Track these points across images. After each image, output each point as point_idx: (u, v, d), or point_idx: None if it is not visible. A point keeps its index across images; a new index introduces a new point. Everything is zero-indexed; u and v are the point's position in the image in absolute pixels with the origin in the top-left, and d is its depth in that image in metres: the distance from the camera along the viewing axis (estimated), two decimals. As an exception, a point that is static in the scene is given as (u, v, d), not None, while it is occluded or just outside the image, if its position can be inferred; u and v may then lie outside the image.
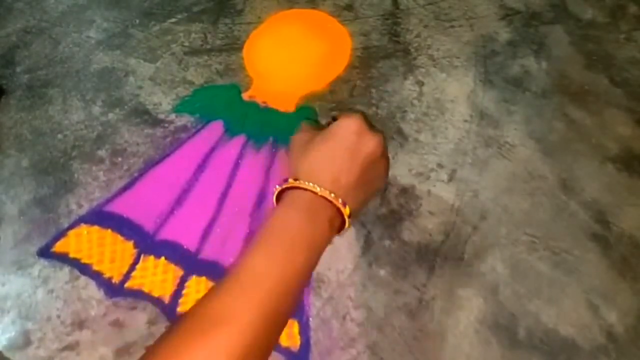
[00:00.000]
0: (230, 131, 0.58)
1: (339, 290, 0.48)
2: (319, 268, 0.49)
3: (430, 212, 0.52)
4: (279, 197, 0.39)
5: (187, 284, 0.48)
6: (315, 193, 0.35)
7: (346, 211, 0.35)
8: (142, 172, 0.55)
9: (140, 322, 0.46)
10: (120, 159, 0.56)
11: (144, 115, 0.60)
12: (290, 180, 0.36)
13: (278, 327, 0.32)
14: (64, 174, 0.56)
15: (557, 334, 0.45)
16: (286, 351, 0.45)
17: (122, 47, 0.67)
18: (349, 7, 0.70)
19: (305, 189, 0.35)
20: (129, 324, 0.46)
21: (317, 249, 0.34)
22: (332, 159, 0.37)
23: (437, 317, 0.46)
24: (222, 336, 0.27)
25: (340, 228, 0.38)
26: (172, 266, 0.49)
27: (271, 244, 0.33)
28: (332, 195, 0.35)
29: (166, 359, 0.27)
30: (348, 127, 0.40)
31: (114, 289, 0.48)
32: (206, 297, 0.31)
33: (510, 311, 0.47)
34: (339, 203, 0.35)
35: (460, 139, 0.57)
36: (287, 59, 0.64)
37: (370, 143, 0.39)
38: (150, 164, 0.55)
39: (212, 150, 0.56)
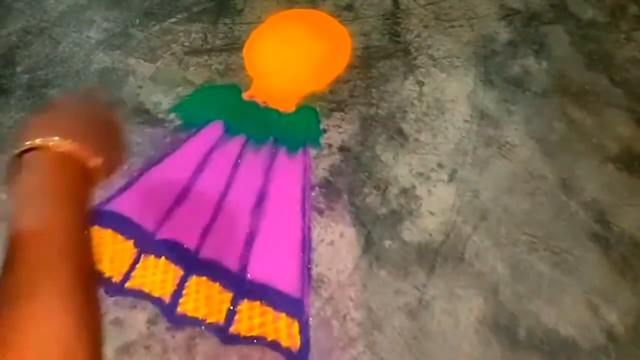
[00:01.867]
0: (230, 131, 0.58)
1: (339, 290, 0.48)
2: (319, 268, 0.49)
3: (430, 212, 0.52)
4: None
5: (187, 284, 0.48)
6: (40, 147, 0.34)
7: (68, 145, 0.34)
8: (142, 172, 0.55)
9: (140, 321, 0.46)
10: (120, 158, 0.56)
11: (144, 115, 0.60)
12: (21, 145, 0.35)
13: (84, 281, 0.30)
14: (64, 174, 0.55)
15: (557, 334, 0.45)
16: (286, 351, 0.45)
17: (122, 47, 0.67)
18: (349, 7, 0.70)
19: (35, 148, 0.35)
20: (129, 323, 0.46)
21: (67, 196, 0.34)
22: (53, 119, 0.38)
23: (437, 317, 0.46)
24: (31, 310, 0.27)
25: (92, 171, 0.36)
26: (172, 266, 0.49)
27: (23, 211, 0.33)
28: (55, 139, 0.34)
29: None
30: (60, 98, 0.41)
31: (114, 288, 0.48)
32: None
33: (511, 311, 0.47)
34: (64, 144, 0.34)
35: (460, 139, 0.57)
36: (287, 59, 0.64)
37: (84, 100, 0.41)
38: (150, 164, 0.55)
39: (212, 150, 0.56)
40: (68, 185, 0.34)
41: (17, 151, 0.35)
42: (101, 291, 0.48)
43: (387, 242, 0.50)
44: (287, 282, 0.48)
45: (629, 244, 0.50)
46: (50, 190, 0.34)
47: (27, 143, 0.35)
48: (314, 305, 0.47)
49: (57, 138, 0.35)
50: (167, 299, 0.47)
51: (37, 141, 0.34)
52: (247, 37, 0.67)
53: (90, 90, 0.45)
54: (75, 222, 0.33)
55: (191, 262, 0.49)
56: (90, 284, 0.31)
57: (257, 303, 0.47)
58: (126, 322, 0.46)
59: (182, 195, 0.53)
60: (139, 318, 0.47)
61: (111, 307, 0.47)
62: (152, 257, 0.49)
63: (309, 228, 0.51)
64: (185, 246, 0.50)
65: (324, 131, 0.58)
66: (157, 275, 0.48)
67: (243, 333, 0.45)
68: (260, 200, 0.52)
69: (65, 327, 0.28)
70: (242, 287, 0.48)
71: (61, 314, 0.28)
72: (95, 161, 0.36)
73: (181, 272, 0.48)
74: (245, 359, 0.44)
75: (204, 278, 0.48)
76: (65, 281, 0.29)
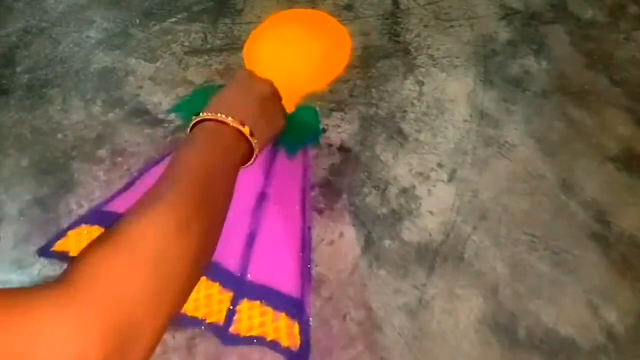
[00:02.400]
0: None
1: (339, 290, 0.48)
2: (319, 268, 0.49)
3: (430, 212, 0.52)
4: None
5: (187, 283, 0.48)
6: (217, 120, 0.43)
7: (246, 130, 0.43)
8: (143, 172, 0.55)
9: (140, 322, 0.46)
10: (120, 159, 0.56)
11: (144, 115, 0.60)
12: (201, 115, 0.44)
13: (208, 210, 0.36)
14: (64, 174, 0.56)
15: (557, 334, 0.45)
16: (286, 351, 0.45)
17: (122, 47, 0.67)
18: (349, 7, 0.70)
19: (211, 120, 0.43)
20: (129, 323, 0.46)
21: (230, 156, 0.42)
22: (234, 97, 0.47)
23: (437, 317, 0.46)
24: (155, 210, 0.33)
25: (249, 150, 0.45)
26: (173, 266, 0.49)
27: (187, 148, 0.40)
28: (230, 119, 0.42)
29: (119, 225, 0.32)
30: (242, 75, 0.52)
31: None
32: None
33: (511, 311, 0.47)
34: (237, 124, 0.43)
35: (460, 139, 0.57)
36: (287, 59, 0.64)
37: (262, 85, 0.50)
38: (151, 164, 0.55)
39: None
40: (230, 148, 0.42)
41: (201, 117, 0.43)
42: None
43: (387, 242, 0.50)
44: (287, 282, 0.48)
45: (629, 244, 0.50)
46: (217, 145, 0.41)
47: (203, 115, 0.43)
48: (314, 305, 0.47)
49: (232, 118, 0.42)
50: (167, 299, 0.47)
51: (217, 115, 0.42)
52: (247, 37, 0.67)
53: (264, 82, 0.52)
54: (230, 173, 0.41)
55: (191, 262, 0.49)
56: (219, 224, 0.38)
57: (257, 303, 0.47)
58: (126, 322, 0.46)
59: (182, 196, 0.53)
60: (139, 318, 0.47)
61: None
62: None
63: (309, 228, 0.51)
64: (185, 246, 0.50)
65: (324, 131, 0.58)
66: (157, 276, 0.48)
67: (243, 333, 0.45)
68: (260, 200, 0.52)
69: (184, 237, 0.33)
70: (242, 287, 0.48)
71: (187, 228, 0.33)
72: (257, 145, 0.44)
73: (181, 272, 0.48)
74: (245, 359, 0.45)
75: (204, 278, 0.48)
76: (195, 196, 0.35)
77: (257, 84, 0.50)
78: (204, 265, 0.36)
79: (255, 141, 0.44)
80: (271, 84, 0.51)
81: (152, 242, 0.31)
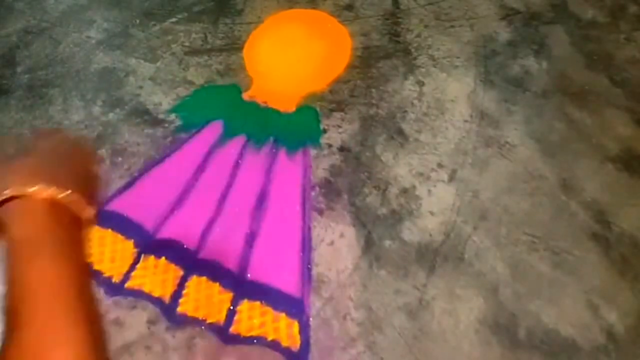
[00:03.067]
0: (230, 131, 0.58)
1: (339, 290, 0.48)
2: (319, 268, 0.49)
3: (430, 212, 0.52)
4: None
5: (187, 284, 0.48)
6: (22, 195, 0.33)
7: (51, 191, 0.33)
8: (143, 172, 0.55)
9: (140, 321, 0.46)
10: (120, 158, 0.56)
11: (144, 115, 0.60)
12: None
13: (95, 339, 0.30)
14: (65, 174, 0.55)
15: (558, 334, 0.45)
16: (286, 351, 0.45)
17: (122, 47, 0.67)
18: (349, 7, 0.70)
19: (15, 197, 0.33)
20: (129, 323, 0.46)
21: (64, 243, 0.33)
22: (29, 165, 0.36)
23: (437, 317, 0.46)
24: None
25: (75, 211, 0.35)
26: (173, 266, 0.49)
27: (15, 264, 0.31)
28: (36, 187, 0.32)
29: None
30: (30, 139, 0.39)
31: (114, 288, 0.48)
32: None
33: (511, 311, 0.47)
34: (45, 190, 0.32)
35: (460, 139, 0.57)
36: (287, 59, 0.64)
37: (52, 139, 0.38)
38: (151, 164, 0.55)
39: (212, 150, 0.56)
40: (62, 230, 0.33)
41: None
42: (101, 297, 0.48)
43: (387, 242, 0.50)
44: (287, 282, 0.48)
45: (629, 244, 0.50)
46: (47, 239, 0.32)
47: (7, 192, 0.32)
48: (314, 305, 0.47)
49: (37, 185, 0.33)
50: (167, 299, 0.47)
51: (18, 189, 0.32)
52: (247, 37, 0.67)
53: (54, 131, 0.44)
54: (79, 269, 0.32)
55: (191, 262, 0.49)
56: (99, 339, 0.30)
57: (257, 303, 0.47)
58: (126, 322, 0.46)
59: (183, 196, 0.53)
60: (139, 318, 0.47)
61: (111, 307, 0.47)
62: (152, 257, 0.49)
63: (309, 228, 0.51)
64: (185, 246, 0.50)
65: (324, 131, 0.58)
66: (157, 275, 0.48)
67: (243, 333, 0.45)
68: (261, 200, 0.52)
69: None
70: (242, 287, 0.48)
71: None
72: (79, 203, 0.34)
73: (181, 272, 0.48)
74: (245, 359, 0.44)
75: (204, 278, 0.48)
76: (77, 344, 0.28)
77: (41, 142, 0.38)
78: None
79: (76, 200, 0.34)
80: (60, 132, 0.41)
81: None
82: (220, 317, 0.46)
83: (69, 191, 0.33)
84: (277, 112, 0.59)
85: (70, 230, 0.34)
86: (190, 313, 0.46)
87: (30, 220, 0.33)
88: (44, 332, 0.29)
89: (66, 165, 0.37)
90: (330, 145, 0.57)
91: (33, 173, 0.34)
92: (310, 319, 0.46)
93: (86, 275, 0.32)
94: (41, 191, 0.33)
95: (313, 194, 0.53)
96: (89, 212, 0.34)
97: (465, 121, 0.58)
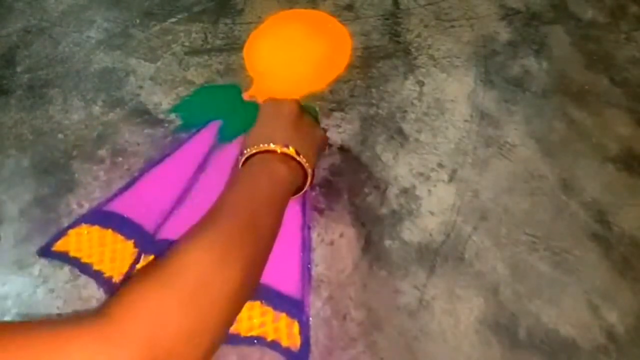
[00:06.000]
0: (228, 132, 0.57)
1: (339, 290, 0.48)
2: (319, 268, 0.49)
3: (430, 212, 0.52)
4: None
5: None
6: (261, 151, 0.45)
7: (291, 151, 0.44)
8: (143, 172, 0.55)
9: (140, 321, 0.46)
10: (120, 158, 0.56)
11: (144, 115, 0.60)
12: (244, 152, 0.46)
13: (252, 242, 0.36)
14: (65, 174, 0.56)
15: (558, 334, 0.45)
16: (286, 351, 0.45)
17: (122, 47, 0.67)
18: (349, 7, 0.70)
19: (255, 153, 0.45)
20: (129, 323, 0.46)
21: (278, 183, 0.43)
22: (268, 126, 0.49)
23: (437, 317, 0.46)
24: (197, 245, 0.33)
25: (301, 172, 0.46)
26: (173, 266, 0.49)
27: (234, 182, 0.42)
28: (272, 145, 0.44)
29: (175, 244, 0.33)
30: (267, 104, 0.54)
31: (114, 288, 0.48)
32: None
33: (511, 311, 0.47)
34: (280, 147, 0.44)
35: (460, 139, 0.57)
36: (288, 59, 0.64)
37: (288, 106, 0.51)
38: (151, 164, 0.55)
39: (213, 150, 0.56)
40: (280, 176, 0.43)
41: (245, 154, 0.45)
42: (102, 297, 0.48)
43: (387, 242, 0.50)
44: (287, 282, 0.48)
45: (629, 244, 0.50)
46: (263, 177, 0.42)
47: (253, 149, 0.45)
48: (314, 305, 0.47)
49: (273, 144, 0.44)
50: (167, 299, 0.47)
51: (262, 146, 0.44)
52: (248, 37, 0.67)
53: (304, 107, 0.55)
54: (281, 204, 0.42)
55: (191, 262, 0.49)
56: (264, 259, 0.39)
57: (257, 303, 0.47)
58: (126, 322, 0.46)
59: (183, 196, 0.53)
60: (139, 318, 0.47)
61: (111, 307, 0.47)
62: (152, 257, 0.49)
63: (309, 228, 0.51)
64: (185, 246, 0.50)
65: (324, 131, 0.58)
66: (157, 275, 0.48)
67: (243, 333, 0.45)
68: (261, 200, 0.52)
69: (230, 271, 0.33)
70: (242, 287, 0.48)
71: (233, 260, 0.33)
72: (306, 165, 0.45)
73: (181, 272, 0.48)
74: (245, 359, 0.45)
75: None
76: (251, 245, 0.36)
77: (284, 107, 0.50)
78: (247, 297, 0.36)
79: (304, 160, 0.45)
80: (296, 102, 0.52)
81: (193, 277, 0.30)
82: (220, 317, 0.46)
83: (289, 147, 0.44)
84: (277, 112, 0.59)
85: (290, 178, 0.44)
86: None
87: (251, 170, 0.44)
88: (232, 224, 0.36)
89: (298, 131, 0.48)
90: (330, 145, 0.57)
91: (266, 135, 0.46)
92: (310, 319, 0.46)
93: (276, 202, 0.42)
94: (281, 148, 0.44)
95: (313, 194, 0.53)
96: (306, 165, 0.45)
97: (466, 121, 0.58)
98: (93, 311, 0.28)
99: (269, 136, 0.45)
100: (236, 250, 0.33)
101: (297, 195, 0.48)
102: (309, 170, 0.46)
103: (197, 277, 0.30)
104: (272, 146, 0.44)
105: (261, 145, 0.44)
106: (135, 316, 0.27)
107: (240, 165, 0.46)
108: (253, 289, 0.37)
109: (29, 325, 0.27)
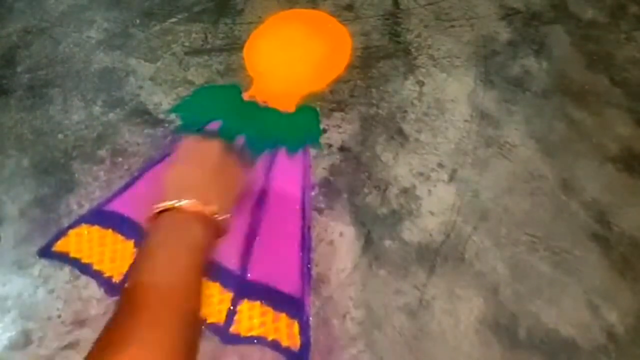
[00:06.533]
0: (228, 132, 0.57)
1: (339, 290, 0.48)
2: (319, 268, 0.49)
3: (430, 212, 0.52)
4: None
5: (187, 283, 0.48)
6: (173, 208, 0.38)
7: (211, 210, 0.38)
8: (143, 172, 0.55)
9: (140, 321, 0.46)
10: (120, 158, 0.56)
11: (144, 115, 0.60)
12: (155, 207, 0.39)
13: (192, 327, 0.33)
14: (65, 174, 0.56)
15: (558, 334, 0.45)
16: (287, 350, 0.45)
17: (122, 47, 0.67)
18: (349, 7, 0.70)
19: (167, 209, 0.38)
20: (130, 323, 0.46)
21: (198, 250, 0.37)
22: (184, 174, 0.42)
23: (437, 317, 0.46)
24: (148, 331, 0.30)
25: (217, 226, 0.40)
26: (173, 266, 0.49)
27: (148, 261, 0.36)
28: (186, 202, 0.38)
29: None
30: (185, 145, 0.45)
31: (114, 288, 0.48)
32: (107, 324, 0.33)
33: (511, 311, 0.47)
34: (199, 207, 0.38)
35: (460, 139, 0.57)
36: (288, 59, 0.64)
37: (209, 147, 0.44)
38: (151, 164, 0.55)
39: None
40: (198, 241, 0.37)
41: (155, 212, 0.38)
42: (102, 297, 0.48)
43: (387, 242, 0.50)
44: (287, 282, 0.48)
45: (629, 244, 0.50)
46: (181, 247, 0.36)
47: (163, 204, 0.38)
48: (314, 305, 0.47)
49: (187, 200, 0.38)
50: (167, 298, 0.47)
51: (171, 203, 0.38)
52: (247, 37, 0.67)
53: (210, 137, 0.46)
54: (198, 277, 0.36)
55: (191, 262, 0.49)
56: (195, 341, 0.33)
57: (257, 303, 0.47)
58: (126, 322, 0.46)
59: (183, 195, 0.53)
60: (139, 318, 0.47)
61: (111, 306, 0.47)
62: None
63: (309, 228, 0.51)
64: (185, 246, 0.50)
65: (324, 131, 0.58)
66: (157, 275, 0.48)
67: (243, 333, 0.45)
68: (260, 199, 0.52)
69: None
70: (243, 287, 0.48)
71: None
72: (222, 217, 0.39)
73: (181, 272, 0.48)
74: (245, 359, 0.45)
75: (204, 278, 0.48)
76: (174, 336, 0.31)
77: (203, 149, 0.43)
78: None
79: (222, 217, 0.39)
80: (218, 142, 0.44)
81: None
82: (220, 317, 0.46)
83: (216, 208, 0.38)
84: (277, 112, 0.59)
85: (206, 237, 0.38)
86: (190, 313, 0.46)
87: (173, 228, 0.37)
88: (150, 318, 0.31)
89: (216, 181, 0.41)
90: (330, 145, 0.57)
91: (183, 187, 0.39)
92: (310, 318, 0.46)
93: (203, 277, 0.36)
94: (190, 205, 0.37)
95: (313, 194, 0.53)
96: (224, 217, 0.39)
97: (466, 121, 0.58)
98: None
99: (186, 188, 0.39)
100: (181, 347, 0.31)
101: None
102: (226, 226, 0.40)
103: None
104: (186, 204, 0.37)
105: (175, 201, 0.38)
106: None
107: (150, 216, 0.39)
108: None
109: None
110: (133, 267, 0.36)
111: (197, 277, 0.36)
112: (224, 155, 0.44)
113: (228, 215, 0.40)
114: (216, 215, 0.39)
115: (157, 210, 0.38)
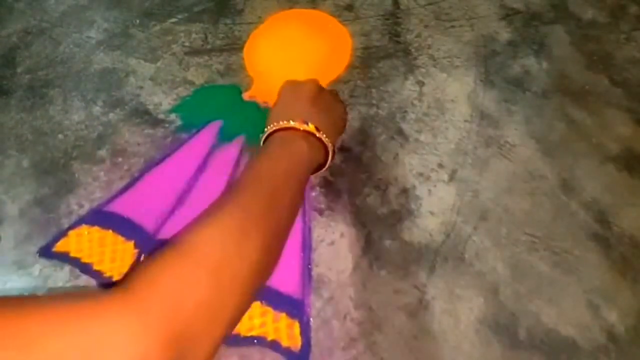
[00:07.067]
0: (228, 132, 0.58)
1: (340, 290, 0.48)
2: (319, 268, 0.49)
3: (430, 212, 0.52)
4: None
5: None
6: (282, 128, 0.46)
7: (310, 127, 0.45)
8: (143, 172, 0.55)
9: (140, 322, 0.46)
10: (120, 159, 0.56)
11: (144, 116, 0.60)
12: (266, 130, 0.47)
13: (272, 220, 0.36)
14: (65, 174, 0.56)
15: (558, 334, 0.45)
16: (287, 351, 0.45)
17: (122, 48, 0.67)
18: (350, 7, 0.70)
19: (276, 130, 0.46)
20: (130, 323, 0.46)
21: (298, 160, 0.43)
22: (288, 105, 0.50)
23: (437, 317, 0.46)
24: (217, 221, 0.34)
25: (322, 149, 0.47)
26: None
27: (256, 159, 0.43)
28: (292, 122, 0.45)
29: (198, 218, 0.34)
30: (286, 85, 0.55)
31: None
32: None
33: (511, 311, 0.47)
34: (300, 124, 0.45)
35: (460, 139, 0.57)
36: (288, 59, 0.64)
37: (308, 85, 0.52)
38: (151, 164, 0.55)
39: (213, 150, 0.56)
40: (302, 154, 0.43)
41: (266, 131, 0.47)
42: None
43: (387, 242, 0.50)
44: (287, 282, 0.48)
45: (629, 244, 0.50)
46: (284, 152, 0.43)
47: (282, 123, 0.45)
48: (315, 306, 0.47)
49: (293, 122, 0.45)
50: (167, 299, 0.47)
51: (282, 123, 0.45)
52: (248, 37, 0.67)
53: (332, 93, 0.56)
54: (296, 184, 0.41)
55: (191, 262, 0.49)
56: (286, 231, 0.40)
57: (258, 303, 0.47)
58: (127, 322, 0.46)
59: (183, 196, 0.53)
60: (139, 318, 0.47)
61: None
62: (152, 257, 0.49)
63: (309, 228, 0.51)
64: (185, 246, 0.50)
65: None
66: (157, 276, 0.48)
67: (243, 333, 0.45)
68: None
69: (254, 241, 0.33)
70: (243, 287, 0.48)
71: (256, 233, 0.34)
72: (326, 141, 0.46)
73: (181, 272, 0.48)
74: (245, 359, 0.45)
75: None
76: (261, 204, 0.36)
77: (302, 86, 0.52)
78: (264, 279, 0.36)
79: (324, 136, 0.46)
80: (315, 81, 0.53)
81: (213, 251, 0.31)
82: (220, 317, 0.46)
83: (309, 124, 0.45)
84: (277, 112, 0.59)
85: (311, 154, 0.44)
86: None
87: (274, 147, 0.44)
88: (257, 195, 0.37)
89: (321, 109, 0.49)
90: (330, 146, 0.57)
91: (286, 113, 0.47)
92: (311, 319, 0.46)
93: (297, 179, 0.42)
94: (302, 125, 0.45)
95: (313, 194, 0.53)
96: (326, 142, 0.46)
97: (466, 121, 0.58)
98: (119, 284, 0.28)
99: (289, 114, 0.46)
100: (256, 226, 0.34)
101: (318, 173, 0.50)
102: (330, 146, 0.47)
103: (218, 251, 0.31)
104: (291, 123, 0.44)
105: (281, 122, 0.45)
106: (155, 289, 0.27)
107: (261, 144, 0.47)
108: (272, 268, 0.37)
109: (45, 299, 0.27)
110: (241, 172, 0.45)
111: (295, 183, 0.41)
112: (319, 89, 0.52)
113: (332, 141, 0.47)
114: (322, 136, 0.45)
115: (268, 132, 0.46)
